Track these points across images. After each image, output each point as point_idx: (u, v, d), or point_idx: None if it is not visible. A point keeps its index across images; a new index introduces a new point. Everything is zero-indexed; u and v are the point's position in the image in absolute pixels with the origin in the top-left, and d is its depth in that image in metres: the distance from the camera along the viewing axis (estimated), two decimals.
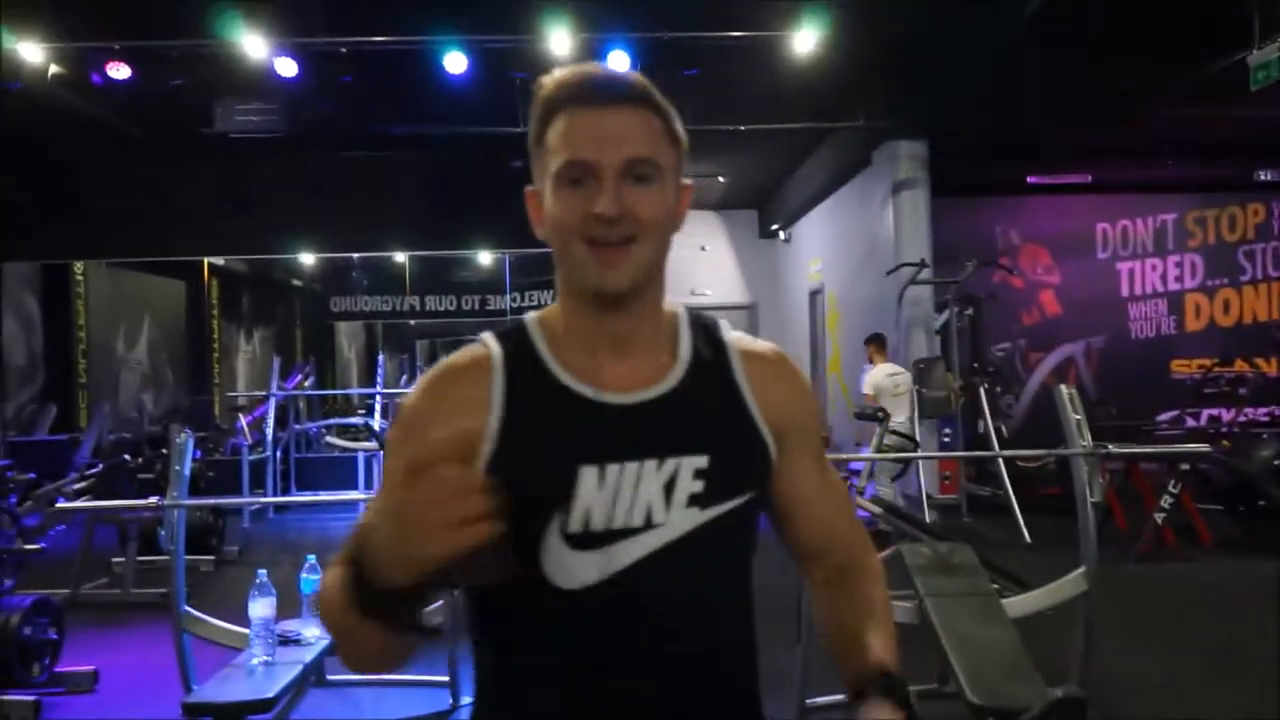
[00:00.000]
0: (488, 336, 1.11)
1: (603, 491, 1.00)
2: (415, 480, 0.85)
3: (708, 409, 1.08)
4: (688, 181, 1.11)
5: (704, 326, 1.14)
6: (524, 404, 1.04)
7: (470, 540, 0.84)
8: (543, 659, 1.03)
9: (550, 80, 1.05)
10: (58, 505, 4.86)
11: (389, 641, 0.94)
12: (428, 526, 0.83)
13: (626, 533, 1.01)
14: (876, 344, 8.03)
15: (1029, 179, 9.62)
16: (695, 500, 1.02)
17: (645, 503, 1.01)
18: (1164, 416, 9.42)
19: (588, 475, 1.01)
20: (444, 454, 0.98)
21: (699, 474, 1.03)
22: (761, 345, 1.16)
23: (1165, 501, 6.47)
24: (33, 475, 4.96)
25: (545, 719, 1.04)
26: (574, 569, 1.00)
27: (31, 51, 6.27)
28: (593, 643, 1.02)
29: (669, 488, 1.02)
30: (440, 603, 4.07)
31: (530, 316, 1.13)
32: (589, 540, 1.00)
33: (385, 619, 0.90)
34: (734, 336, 1.15)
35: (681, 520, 1.02)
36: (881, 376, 7.75)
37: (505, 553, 0.88)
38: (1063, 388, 3.82)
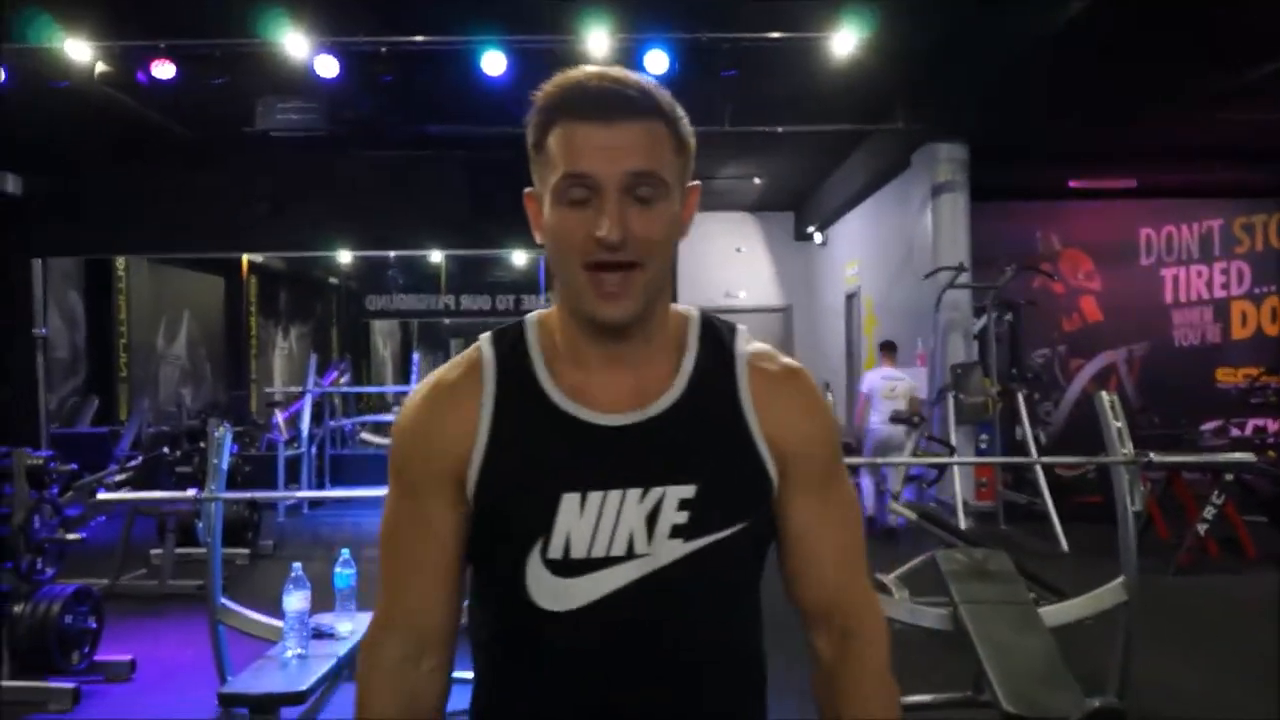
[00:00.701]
0: (485, 341, 1.09)
1: (584, 519, 0.98)
2: None
3: (703, 432, 1.03)
4: (695, 183, 1.07)
5: (716, 336, 1.09)
6: (511, 422, 1.02)
7: None
8: (527, 677, 1.03)
9: (552, 86, 1.01)
10: (98, 496, 4.93)
11: None
12: None
13: (607, 561, 0.98)
14: (887, 350, 8.22)
15: (1070, 183, 9.49)
16: (679, 531, 0.99)
17: (628, 532, 0.98)
18: (1208, 426, 9.24)
19: (569, 502, 0.98)
20: (436, 482, 1.02)
21: (684, 504, 0.99)
22: (777, 362, 1.10)
23: (1208, 512, 6.35)
24: (74, 466, 5.03)
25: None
26: (556, 593, 0.99)
27: (79, 50, 6.37)
28: (576, 665, 1.00)
29: (652, 517, 0.99)
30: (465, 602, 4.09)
31: (531, 319, 1.10)
32: (570, 567, 0.99)
33: None
34: (747, 350, 1.08)
35: (665, 551, 0.99)
36: (876, 377, 7.99)
37: None
38: (1104, 394, 3.76)
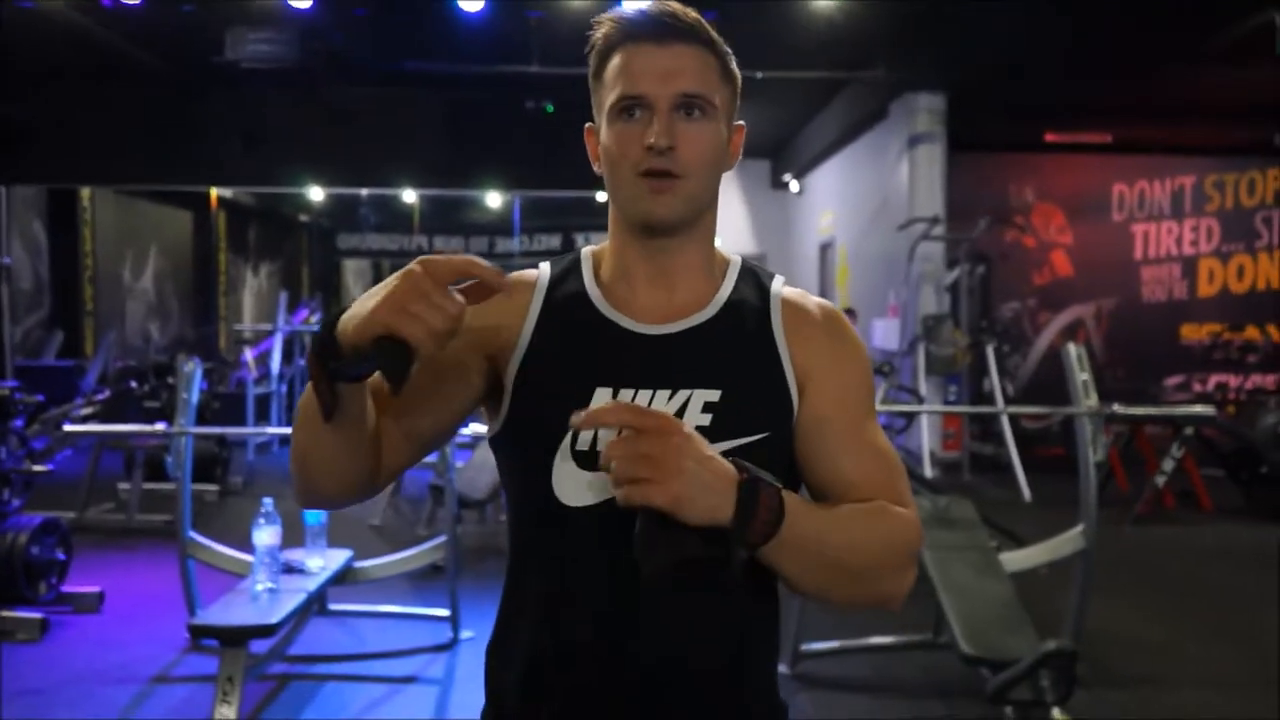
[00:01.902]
0: (544, 263, 1.17)
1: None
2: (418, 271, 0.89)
3: (733, 347, 1.08)
4: (741, 123, 1.15)
5: (754, 276, 1.16)
6: (555, 322, 1.09)
7: (420, 331, 0.87)
8: (548, 573, 1.07)
9: (609, 17, 1.08)
10: (65, 429, 4.89)
11: (329, 411, 0.95)
12: (398, 298, 0.87)
13: None
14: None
15: (1047, 137, 9.50)
16: (701, 432, 0.99)
17: None
18: (1172, 381, 9.41)
19: (602, 396, 1.04)
20: (466, 348, 1.05)
21: (709, 407, 1.04)
22: (811, 300, 1.15)
23: (1166, 465, 6.49)
24: (41, 398, 4.98)
25: (540, 632, 1.06)
26: (579, 487, 1.03)
27: None
28: (588, 559, 1.04)
29: (678, 417, 1.00)
30: (443, 538, 4.11)
31: (586, 250, 1.18)
32: (596, 459, 1.01)
33: (318, 365, 0.92)
34: (784, 289, 1.15)
35: None
36: None
37: (405, 361, 0.89)
38: (1071, 346, 3.80)
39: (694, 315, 1.10)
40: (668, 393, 1.04)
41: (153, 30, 7.25)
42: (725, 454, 0.99)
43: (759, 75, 8.08)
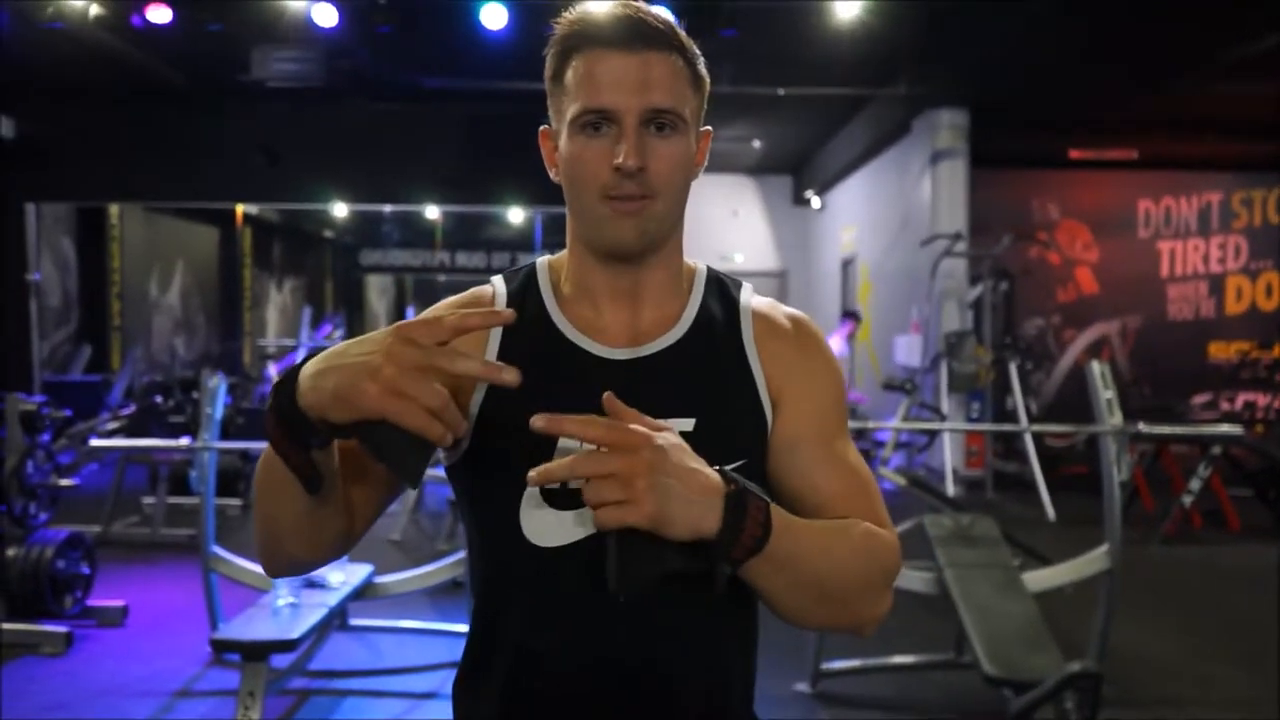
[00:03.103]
0: (496, 279, 1.10)
1: (584, 448, 0.94)
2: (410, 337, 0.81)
3: (704, 369, 1.03)
4: (707, 128, 1.07)
5: (721, 286, 1.09)
6: (518, 349, 1.01)
7: (406, 415, 0.79)
8: (518, 615, 1.01)
9: (571, 16, 1.01)
10: (91, 443, 4.94)
11: (291, 480, 0.88)
12: (381, 378, 0.79)
13: None
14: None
15: (1071, 153, 9.45)
16: None
17: None
18: (1198, 399, 9.30)
19: None
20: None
21: (683, 438, 0.95)
22: (780, 311, 1.09)
23: (1193, 484, 6.41)
24: (68, 413, 5.03)
25: (518, 673, 1.01)
26: (551, 527, 0.98)
27: None
28: (568, 602, 0.99)
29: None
30: (462, 553, 4.12)
31: (541, 261, 1.10)
32: (566, 499, 0.97)
33: (288, 441, 0.85)
34: (752, 300, 1.09)
35: None
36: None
37: (420, 454, 0.83)
38: (1095, 364, 3.77)
39: (662, 337, 1.03)
40: None
41: (180, 50, 7.35)
42: None
43: (780, 92, 8.11)
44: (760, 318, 1.07)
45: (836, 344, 8.77)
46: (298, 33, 6.79)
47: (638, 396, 0.95)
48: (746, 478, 0.95)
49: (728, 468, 0.94)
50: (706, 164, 1.09)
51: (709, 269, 1.11)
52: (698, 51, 1.02)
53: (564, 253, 1.09)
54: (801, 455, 1.04)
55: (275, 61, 7.10)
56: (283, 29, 6.76)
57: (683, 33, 1.01)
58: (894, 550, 1.02)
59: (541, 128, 1.06)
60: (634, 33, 0.97)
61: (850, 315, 9.09)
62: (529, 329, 1.03)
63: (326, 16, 6.47)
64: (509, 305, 1.04)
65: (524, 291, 1.07)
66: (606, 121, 0.97)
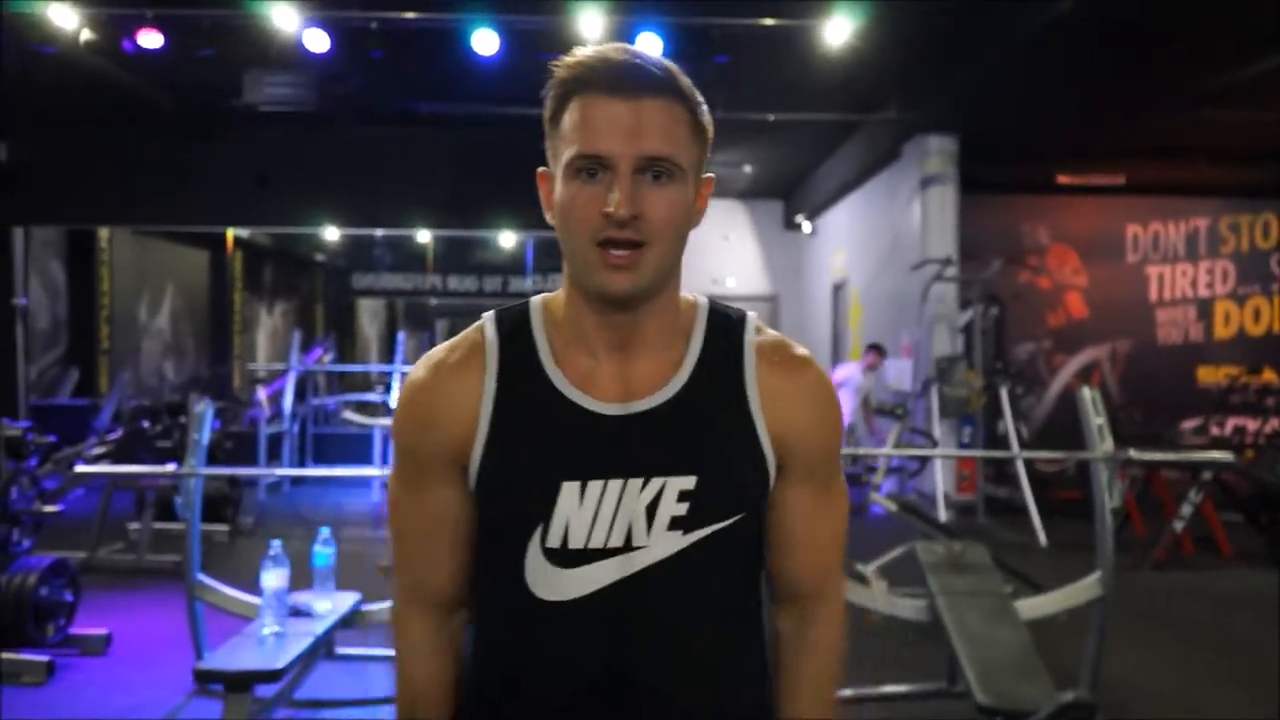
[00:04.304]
0: (488, 321, 1.06)
1: (583, 509, 0.97)
2: None
3: (706, 422, 1.01)
4: (709, 175, 1.05)
5: (725, 324, 1.07)
6: (513, 409, 1.00)
7: None
8: (522, 667, 1.02)
9: (570, 60, 0.99)
10: (77, 469, 4.89)
11: None
12: None
13: (606, 553, 0.98)
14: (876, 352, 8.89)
15: (1059, 178, 9.50)
16: (678, 523, 0.98)
17: (626, 523, 0.98)
18: (1188, 424, 9.30)
19: (569, 491, 0.97)
20: (440, 465, 1.02)
21: (684, 496, 0.98)
22: (785, 352, 1.07)
23: (1184, 510, 6.40)
24: (53, 438, 4.99)
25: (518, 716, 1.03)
26: (554, 583, 0.98)
27: (64, 15, 6.28)
28: (572, 655, 0.99)
29: (652, 508, 0.98)
30: None
31: (535, 302, 1.07)
32: (568, 557, 0.98)
33: None
34: (756, 339, 1.06)
35: (663, 544, 0.98)
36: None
37: None
38: (1086, 390, 3.77)
39: (662, 389, 1.01)
40: (640, 482, 0.98)
41: (171, 74, 7.36)
42: (701, 541, 0.99)
43: (771, 118, 8.15)
44: (764, 357, 1.05)
45: (850, 371, 8.83)
46: (290, 58, 6.80)
47: (636, 454, 0.97)
48: (744, 529, 1.01)
49: (728, 523, 0.99)
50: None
51: (711, 304, 1.09)
52: (700, 99, 1.00)
53: (559, 293, 1.07)
54: (793, 494, 1.06)
55: (267, 86, 7.11)
56: (275, 54, 6.77)
57: (685, 80, 0.99)
58: (839, 638, 1.13)
59: (539, 170, 1.05)
60: (632, 79, 0.96)
61: (873, 349, 9.09)
62: (524, 383, 1.01)
63: (319, 42, 6.49)
64: (501, 354, 1.03)
65: (515, 338, 1.04)
66: (601, 168, 0.95)
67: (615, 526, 0.98)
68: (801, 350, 1.09)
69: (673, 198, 0.97)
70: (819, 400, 1.07)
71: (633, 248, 0.96)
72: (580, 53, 0.99)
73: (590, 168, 0.96)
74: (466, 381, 1.02)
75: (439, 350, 1.07)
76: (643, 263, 0.96)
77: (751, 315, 1.09)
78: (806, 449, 1.05)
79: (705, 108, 1.01)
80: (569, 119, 0.97)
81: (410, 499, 1.06)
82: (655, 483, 0.98)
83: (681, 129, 0.97)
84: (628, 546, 0.98)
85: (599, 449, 0.98)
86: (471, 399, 1.01)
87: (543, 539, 0.98)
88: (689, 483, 0.98)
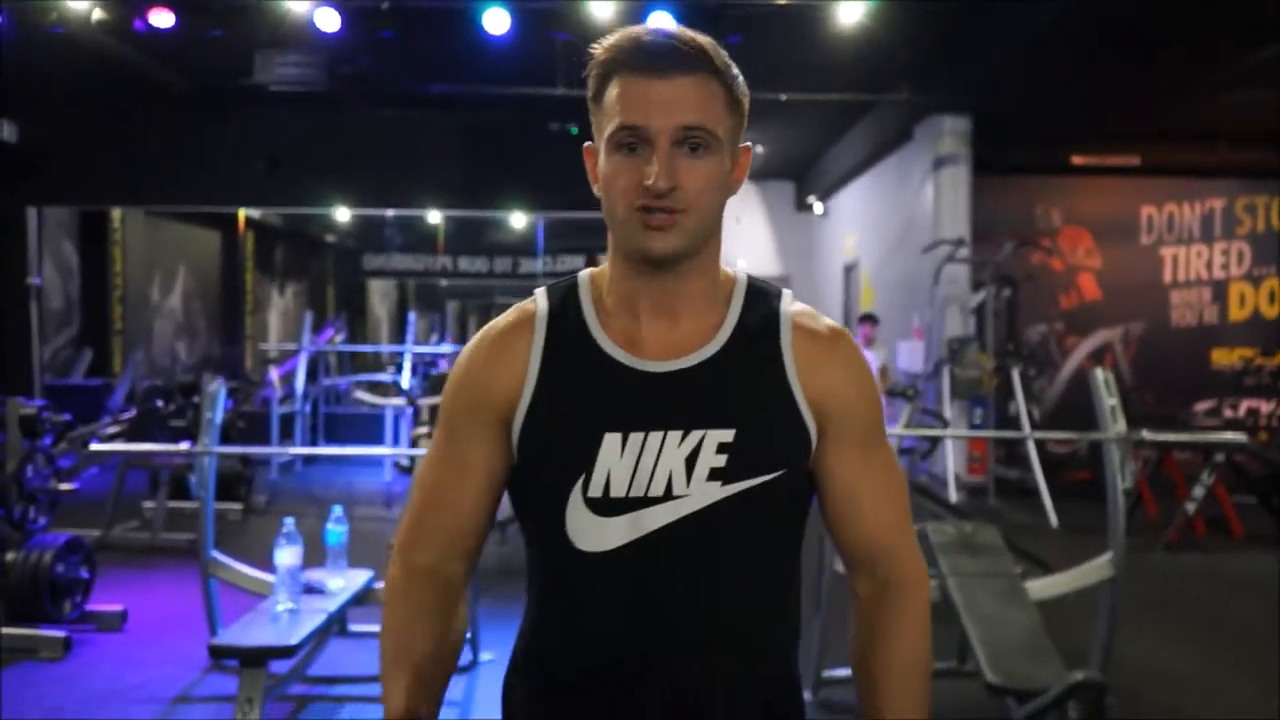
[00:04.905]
0: (540, 293, 1.14)
1: (624, 459, 1.01)
2: None
3: (744, 381, 1.05)
4: (747, 144, 1.11)
5: (761, 296, 1.12)
6: (560, 366, 1.06)
7: None
8: (565, 619, 1.06)
9: (611, 40, 1.05)
10: (91, 447, 4.93)
11: None
12: None
13: (646, 501, 1.01)
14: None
15: (1073, 159, 9.43)
16: (717, 474, 1.01)
17: (667, 473, 1.01)
18: (1202, 406, 9.27)
19: (610, 442, 1.02)
20: (482, 425, 1.07)
21: (723, 448, 1.02)
22: (821, 323, 1.12)
23: (1197, 491, 6.39)
24: (68, 417, 5.02)
25: (562, 675, 1.06)
26: (595, 533, 1.02)
27: None
28: (612, 606, 1.03)
29: (691, 459, 1.01)
30: None
31: (583, 275, 1.14)
32: (609, 506, 1.01)
33: None
34: (791, 310, 1.11)
35: (702, 494, 1.01)
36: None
37: None
38: (1099, 371, 3.76)
39: (702, 348, 1.06)
40: (679, 434, 1.02)
41: (182, 54, 7.35)
42: (741, 494, 1.01)
43: (783, 98, 8.10)
44: (800, 327, 1.10)
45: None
46: (300, 37, 6.78)
47: (676, 407, 1.02)
48: (786, 489, 1.04)
49: (768, 478, 1.02)
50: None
51: (749, 278, 1.14)
52: (736, 72, 1.07)
53: (604, 266, 1.13)
54: (843, 459, 1.09)
55: (278, 66, 7.09)
56: (285, 34, 6.76)
57: (721, 54, 1.05)
58: (924, 602, 1.15)
59: (586, 145, 1.11)
60: (668, 57, 1.01)
61: (868, 318, 9.03)
62: (571, 344, 1.07)
63: (329, 21, 6.47)
64: (550, 322, 1.09)
65: (565, 306, 1.10)
66: (641, 141, 1.01)
67: (656, 476, 1.01)
68: (833, 321, 1.14)
69: (709, 168, 1.02)
70: (854, 369, 1.11)
71: (670, 214, 1.01)
72: (620, 34, 1.05)
73: (630, 141, 1.01)
74: (517, 344, 1.08)
75: (494, 322, 1.14)
76: (680, 226, 1.01)
77: (787, 291, 1.15)
78: (847, 414, 1.08)
79: (741, 80, 1.07)
80: (609, 96, 1.03)
81: (446, 450, 1.10)
82: (695, 434, 1.02)
83: (716, 102, 1.03)
84: (668, 495, 1.01)
85: (640, 403, 1.03)
86: (521, 359, 1.07)
87: (585, 489, 1.02)
88: (727, 435, 1.02)
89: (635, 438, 1.02)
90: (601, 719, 1.04)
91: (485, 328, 1.13)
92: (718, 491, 1.01)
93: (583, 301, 1.10)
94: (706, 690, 1.03)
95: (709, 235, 1.06)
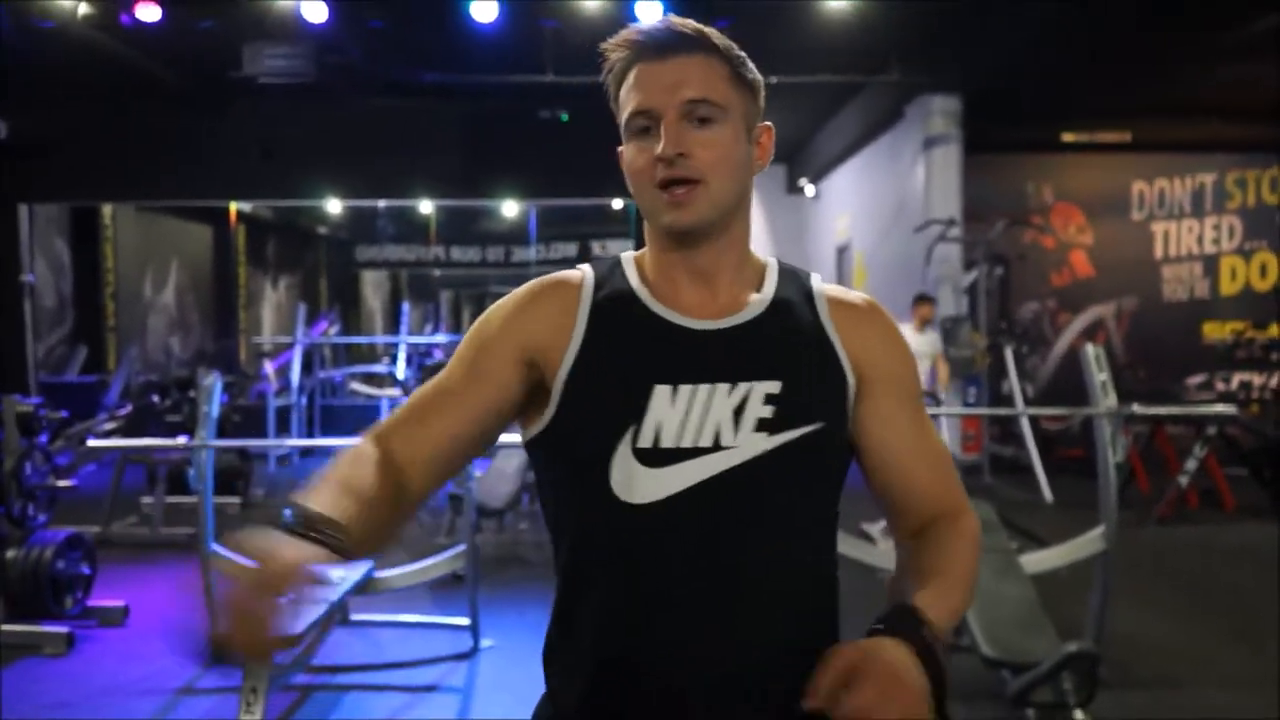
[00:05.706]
0: (585, 266, 1.16)
1: (674, 410, 1.03)
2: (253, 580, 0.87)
3: (786, 338, 1.09)
4: (768, 124, 1.16)
5: (793, 274, 1.17)
6: (607, 323, 1.09)
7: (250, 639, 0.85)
8: (605, 571, 1.05)
9: (617, 42, 1.09)
10: (89, 443, 4.94)
11: None
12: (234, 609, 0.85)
13: (695, 452, 1.03)
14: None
15: (1064, 137, 9.44)
16: (764, 425, 1.04)
17: (715, 424, 1.03)
18: (1194, 380, 9.32)
19: (660, 393, 1.04)
20: (507, 358, 1.08)
21: (769, 399, 1.04)
22: (853, 294, 1.17)
23: (1189, 464, 6.43)
24: (64, 414, 5.03)
25: (606, 630, 1.05)
26: (642, 484, 1.03)
27: None
28: (655, 558, 1.03)
29: (739, 411, 1.04)
30: (462, 547, 4.12)
31: (625, 254, 1.18)
32: (658, 457, 1.03)
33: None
34: (824, 286, 1.16)
35: (749, 444, 1.03)
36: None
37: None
38: (1090, 346, 3.78)
39: (744, 311, 1.10)
40: (727, 386, 1.04)
41: (171, 47, 7.33)
42: (786, 445, 1.04)
43: (773, 80, 8.01)
44: (835, 301, 1.15)
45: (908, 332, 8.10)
46: (289, 28, 6.77)
47: (724, 361, 1.06)
48: (827, 440, 1.06)
49: (810, 429, 1.05)
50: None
51: (779, 261, 1.19)
52: (741, 55, 1.10)
53: (644, 250, 1.16)
54: (892, 417, 1.12)
55: (266, 58, 7.08)
56: (273, 25, 6.74)
57: (721, 38, 1.09)
58: (975, 534, 1.13)
59: (620, 148, 1.13)
60: (669, 42, 1.07)
61: (922, 299, 8.40)
62: (617, 304, 1.10)
63: (316, 12, 6.45)
64: (596, 287, 1.12)
65: (609, 275, 1.14)
66: (653, 123, 1.05)
67: (705, 428, 1.03)
68: (862, 293, 1.19)
69: (718, 137, 1.06)
70: (891, 335, 1.16)
71: (688, 184, 1.05)
72: (620, 35, 1.10)
73: (644, 125, 1.06)
74: (566, 297, 1.11)
75: (542, 277, 1.16)
76: (700, 197, 1.05)
77: (815, 273, 1.20)
78: (889, 374, 1.12)
79: (749, 63, 1.11)
80: (624, 91, 1.08)
81: (453, 380, 1.11)
82: (742, 387, 1.05)
83: (718, 78, 1.07)
84: (716, 446, 1.03)
85: (689, 357, 1.06)
86: (568, 313, 1.09)
87: (634, 440, 1.03)
88: (774, 387, 1.05)
89: (685, 389, 1.04)
90: (656, 665, 1.03)
91: (526, 285, 1.15)
92: (764, 442, 1.03)
93: (628, 271, 1.14)
94: (758, 636, 1.03)
95: (731, 208, 1.10)
